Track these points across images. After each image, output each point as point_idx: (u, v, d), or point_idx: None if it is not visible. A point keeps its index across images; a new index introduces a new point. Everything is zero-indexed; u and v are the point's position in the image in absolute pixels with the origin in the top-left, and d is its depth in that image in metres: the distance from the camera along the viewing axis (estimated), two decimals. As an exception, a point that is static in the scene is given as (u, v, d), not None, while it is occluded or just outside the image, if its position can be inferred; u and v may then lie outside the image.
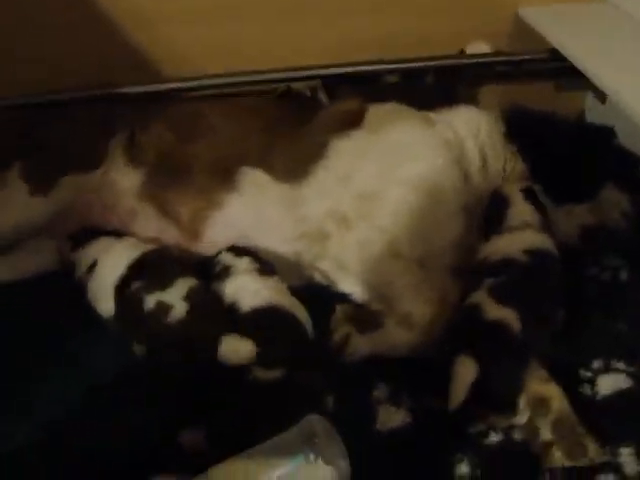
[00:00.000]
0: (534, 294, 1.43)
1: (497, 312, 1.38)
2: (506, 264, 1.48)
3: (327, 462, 1.01)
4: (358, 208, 1.62)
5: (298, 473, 0.99)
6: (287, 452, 1.00)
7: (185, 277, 1.55)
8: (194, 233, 1.73)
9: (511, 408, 1.35)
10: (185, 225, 1.73)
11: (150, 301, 1.50)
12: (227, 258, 1.64)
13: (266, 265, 1.63)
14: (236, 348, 1.39)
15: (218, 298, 1.56)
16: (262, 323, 1.47)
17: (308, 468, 0.99)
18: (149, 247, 1.66)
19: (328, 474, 1.01)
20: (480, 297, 1.42)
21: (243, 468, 0.99)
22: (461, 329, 1.42)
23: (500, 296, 1.40)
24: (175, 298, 1.49)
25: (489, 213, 1.63)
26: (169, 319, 1.47)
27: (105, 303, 1.59)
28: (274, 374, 1.37)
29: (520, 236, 1.53)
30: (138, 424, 1.41)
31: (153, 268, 1.59)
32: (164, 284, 1.51)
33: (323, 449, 1.01)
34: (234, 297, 1.53)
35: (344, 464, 1.02)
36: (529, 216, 1.57)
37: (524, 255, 1.48)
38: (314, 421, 1.06)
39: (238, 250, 1.66)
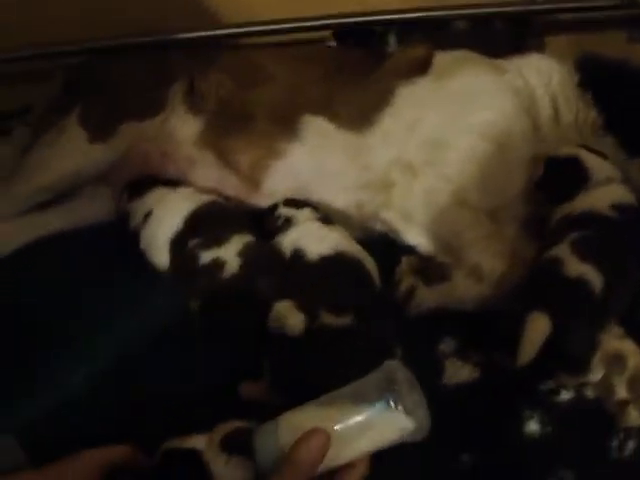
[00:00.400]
0: (619, 252, 1.35)
1: (579, 268, 1.30)
2: (592, 218, 1.40)
3: (408, 411, 0.93)
4: (425, 156, 1.56)
5: (377, 421, 0.92)
6: (366, 398, 0.93)
7: (241, 233, 1.50)
8: (254, 183, 1.69)
9: (584, 369, 1.29)
10: (245, 174, 1.69)
11: (205, 257, 1.46)
12: (286, 211, 1.59)
13: (325, 216, 1.59)
14: (286, 315, 1.34)
15: (275, 252, 1.51)
16: (330, 269, 1.42)
17: (388, 416, 0.92)
18: (205, 199, 1.62)
19: (409, 424, 0.93)
20: (562, 251, 1.34)
21: (318, 414, 0.92)
22: (538, 283, 1.35)
23: (584, 251, 1.32)
24: (230, 254, 1.45)
25: (562, 177, 1.52)
26: (223, 275, 1.43)
27: (160, 256, 1.56)
28: (343, 321, 1.31)
29: (606, 191, 1.45)
30: (197, 375, 1.40)
31: (209, 223, 1.54)
32: (220, 240, 1.47)
33: (404, 397, 0.93)
34: (298, 244, 1.48)
35: (425, 415, 0.95)
36: (610, 170, 1.49)
37: (611, 210, 1.40)
38: (394, 367, 0.98)
39: (296, 202, 1.61)
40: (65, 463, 1.07)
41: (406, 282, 1.48)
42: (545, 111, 1.63)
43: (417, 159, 1.57)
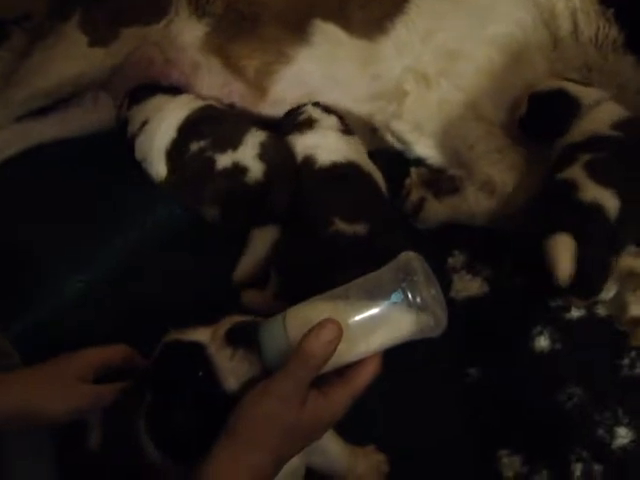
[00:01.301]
0: (633, 173, 1.29)
1: (594, 192, 1.24)
2: (599, 140, 1.34)
3: (425, 305, 0.84)
4: (439, 66, 1.51)
5: (393, 314, 0.84)
6: (381, 290, 0.85)
7: (251, 131, 1.44)
8: (261, 89, 1.63)
9: (594, 294, 1.24)
10: (251, 80, 1.63)
11: (224, 161, 1.41)
12: (313, 110, 1.53)
13: (348, 127, 1.53)
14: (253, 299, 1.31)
15: (290, 153, 1.45)
16: (340, 176, 1.38)
17: (404, 309, 0.84)
18: (200, 103, 1.56)
19: (426, 319, 0.85)
20: (576, 173, 1.28)
21: (329, 307, 0.84)
22: (552, 206, 1.29)
23: (599, 174, 1.26)
24: (249, 158, 1.40)
25: (553, 111, 1.43)
26: (246, 179, 1.39)
27: (157, 166, 1.51)
28: (356, 228, 1.27)
29: (600, 112, 1.39)
30: (199, 281, 1.39)
31: (211, 124, 1.49)
32: (233, 142, 1.42)
33: (421, 289, 0.84)
34: (313, 150, 1.43)
35: (443, 310, 0.86)
36: (595, 93, 1.43)
37: (613, 130, 1.34)
38: (411, 257, 0.88)
39: (325, 107, 1.54)
40: (59, 361, 1.04)
41: (415, 194, 1.44)
42: (565, 26, 1.57)
43: (431, 69, 1.52)
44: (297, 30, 1.60)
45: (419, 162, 1.53)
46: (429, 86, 1.51)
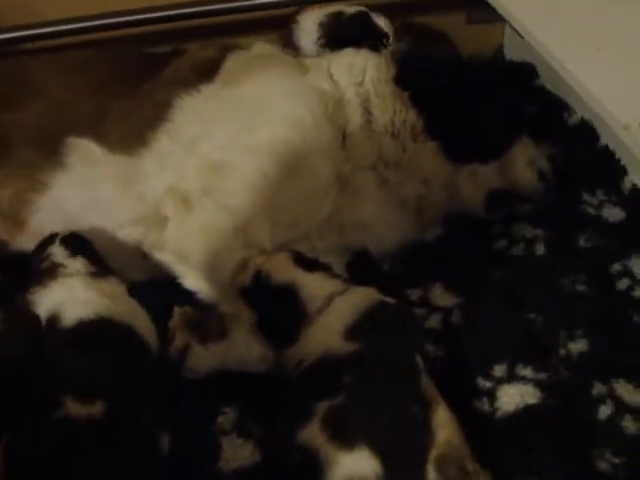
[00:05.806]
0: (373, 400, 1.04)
1: (346, 465, 0.97)
2: (333, 369, 1.07)
3: None
4: (202, 184, 1.34)
5: None
6: None
7: None
8: (17, 222, 1.44)
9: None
10: (5, 212, 1.44)
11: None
12: (59, 254, 1.31)
13: (101, 263, 1.32)
14: None
15: (29, 322, 1.22)
16: (85, 338, 1.15)
17: None
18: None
19: None
20: (315, 437, 1.00)
21: None
22: None
23: (342, 434, 0.99)
24: None
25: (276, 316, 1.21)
26: None
27: None
28: (91, 409, 1.04)
29: (330, 315, 1.14)
30: None
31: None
32: None
33: None
34: (58, 307, 1.19)
35: None
36: (329, 286, 1.18)
37: (346, 342, 1.09)
38: None
39: (73, 245, 1.33)
40: None
41: (179, 340, 1.23)
42: (355, 117, 1.44)
43: (193, 187, 1.34)
44: (50, 152, 1.42)
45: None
46: (190, 209, 1.32)
